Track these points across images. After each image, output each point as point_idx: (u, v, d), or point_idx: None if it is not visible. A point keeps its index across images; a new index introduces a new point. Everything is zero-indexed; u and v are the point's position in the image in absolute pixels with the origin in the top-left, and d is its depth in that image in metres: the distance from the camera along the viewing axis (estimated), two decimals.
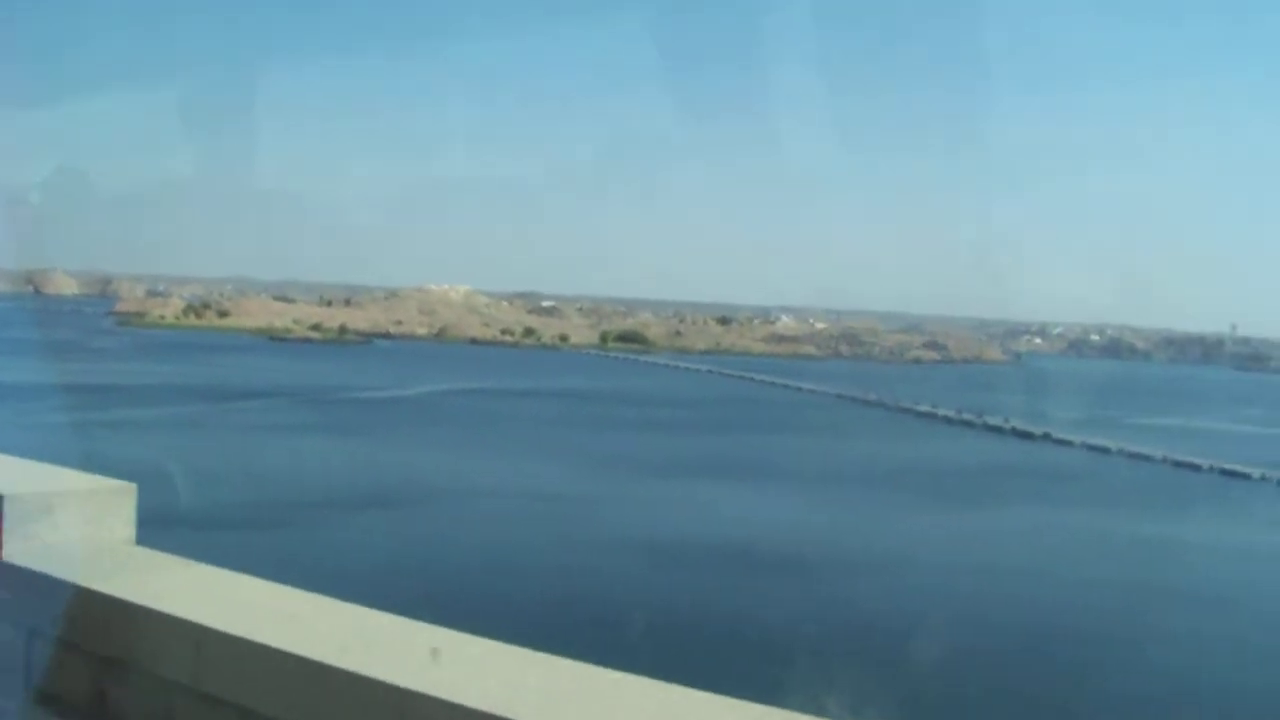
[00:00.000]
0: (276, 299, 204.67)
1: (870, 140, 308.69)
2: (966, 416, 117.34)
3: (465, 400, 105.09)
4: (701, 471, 72.16)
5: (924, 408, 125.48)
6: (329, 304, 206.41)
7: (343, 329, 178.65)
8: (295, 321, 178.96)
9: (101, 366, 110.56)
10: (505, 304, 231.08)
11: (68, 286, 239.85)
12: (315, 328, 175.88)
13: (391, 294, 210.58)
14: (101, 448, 63.78)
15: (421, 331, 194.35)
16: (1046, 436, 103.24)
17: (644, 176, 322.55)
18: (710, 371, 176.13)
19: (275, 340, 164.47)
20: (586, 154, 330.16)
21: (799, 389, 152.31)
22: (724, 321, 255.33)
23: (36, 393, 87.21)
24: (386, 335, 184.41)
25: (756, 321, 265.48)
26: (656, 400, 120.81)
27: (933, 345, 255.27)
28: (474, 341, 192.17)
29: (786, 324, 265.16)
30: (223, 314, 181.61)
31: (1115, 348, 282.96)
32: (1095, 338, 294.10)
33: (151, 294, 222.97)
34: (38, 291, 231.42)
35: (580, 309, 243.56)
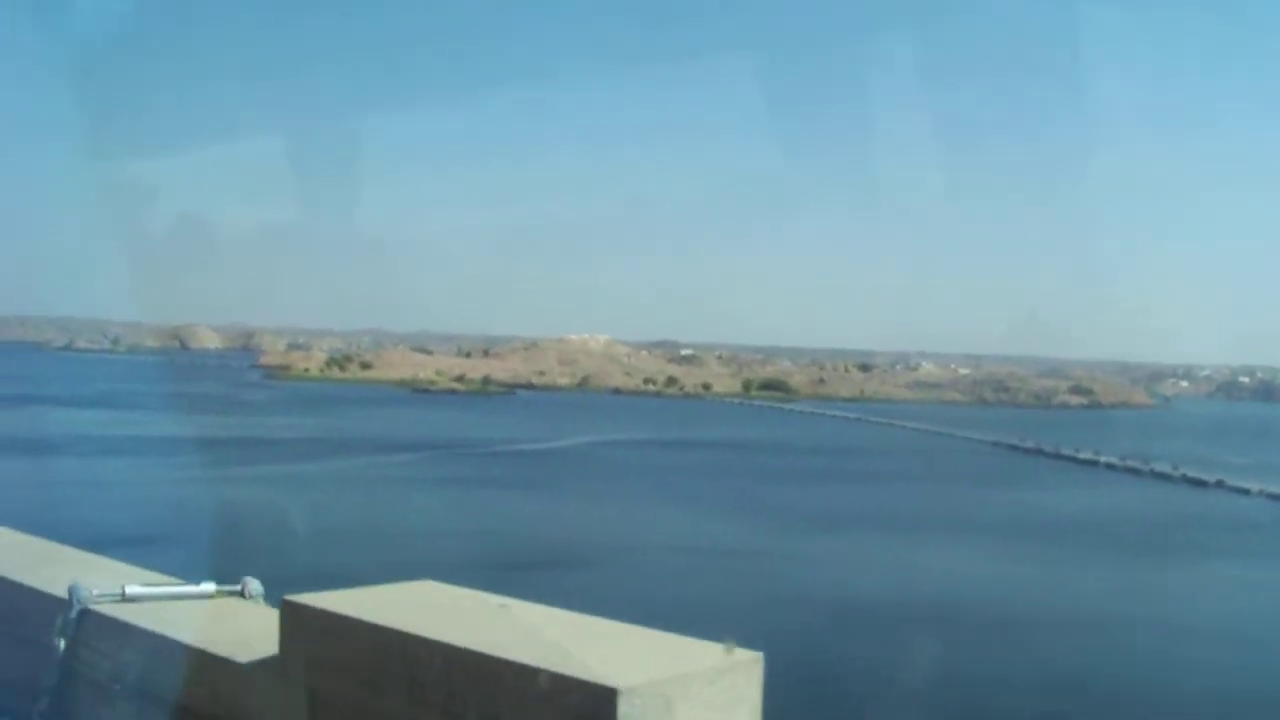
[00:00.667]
0: (414, 350, 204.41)
1: (997, 184, 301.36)
2: (1131, 463, 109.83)
3: (620, 452, 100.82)
4: (873, 523, 66.97)
5: (1085, 454, 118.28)
6: (467, 355, 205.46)
7: (486, 380, 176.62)
8: (438, 373, 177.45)
9: (252, 420, 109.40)
10: (644, 353, 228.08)
11: (211, 340, 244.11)
12: (459, 379, 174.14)
13: (531, 344, 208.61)
14: (264, 504, 60.83)
15: (564, 382, 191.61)
16: (1220, 484, 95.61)
17: (773, 222, 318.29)
18: (859, 419, 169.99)
19: (419, 392, 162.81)
20: (712, 200, 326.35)
21: (952, 436, 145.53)
22: (864, 368, 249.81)
23: (193, 447, 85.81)
24: (529, 386, 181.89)
25: (899, 368, 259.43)
26: (810, 450, 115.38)
27: (1078, 390, 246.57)
28: (617, 391, 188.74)
29: (929, 370, 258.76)
30: (365, 366, 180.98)
31: (1267, 390, 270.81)
32: (1245, 380, 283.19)
33: (292, 347, 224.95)
34: (184, 346, 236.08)
35: (719, 357, 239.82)
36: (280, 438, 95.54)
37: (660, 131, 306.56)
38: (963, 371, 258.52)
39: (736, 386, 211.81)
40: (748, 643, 3.46)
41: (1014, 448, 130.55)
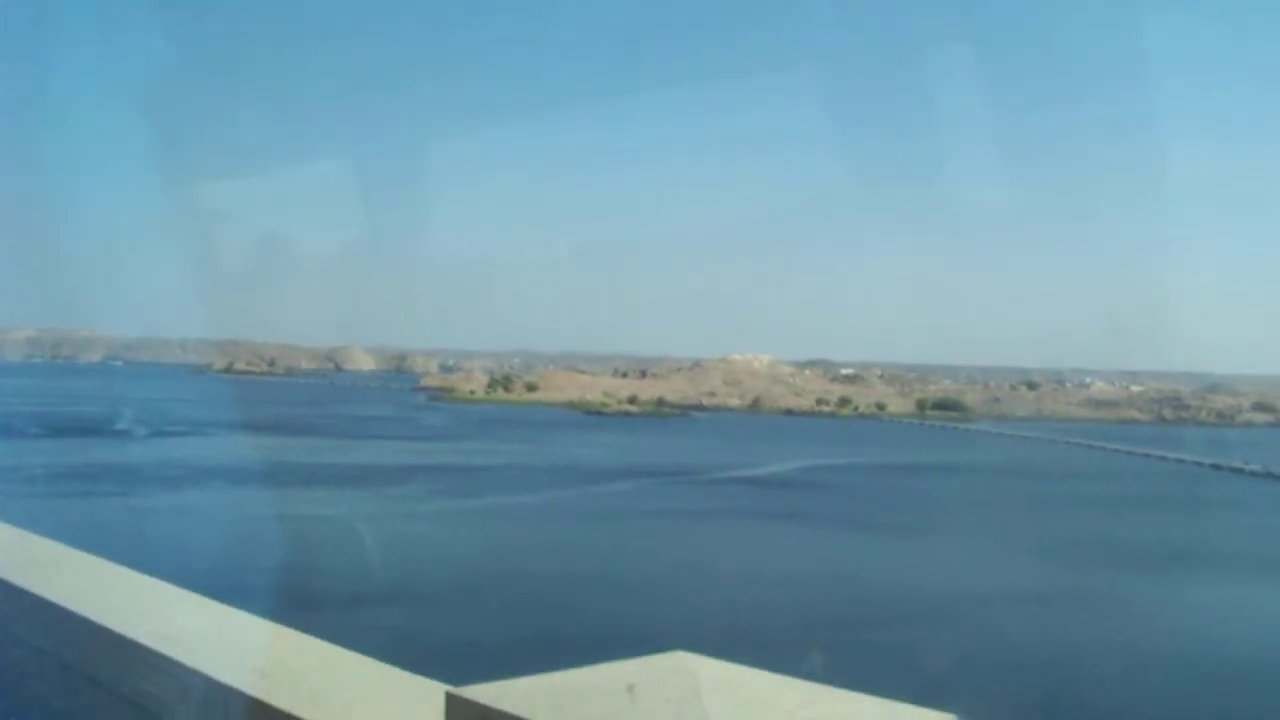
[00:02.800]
0: (567, 371, 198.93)
1: (1069, 199, 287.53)
2: None
3: (848, 478, 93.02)
4: (1153, 557, 58.86)
5: None
6: (624, 375, 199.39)
7: (661, 402, 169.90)
8: (606, 394, 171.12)
9: (444, 446, 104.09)
10: (807, 372, 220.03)
11: (366, 362, 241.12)
12: (632, 401, 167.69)
13: (695, 364, 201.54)
14: (528, 547, 54.70)
15: (734, 403, 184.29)
16: None
17: (888, 239, 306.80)
18: (1052, 440, 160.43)
19: (591, 414, 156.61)
20: (821, 216, 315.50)
21: (1163, 458, 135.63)
22: (1031, 386, 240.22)
23: (405, 476, 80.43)
24: (700, 407, 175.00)
25: (1070, 385, 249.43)
26: (1033, 473, 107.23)
27: (1262, 407, 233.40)
28: (789, 412, 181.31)
29: (1101, 388, 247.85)
30: (531, 387, 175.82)
31: None
32: None
33: (444, 369, 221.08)
34: (338, 368, 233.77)
35: (881, 376, 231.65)
36: (482, 465, 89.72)
37: (735, 148, 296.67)
38: (1135, 389, 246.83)
39: (907, 406, 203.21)
40: None
41: (1237, 470, 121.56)
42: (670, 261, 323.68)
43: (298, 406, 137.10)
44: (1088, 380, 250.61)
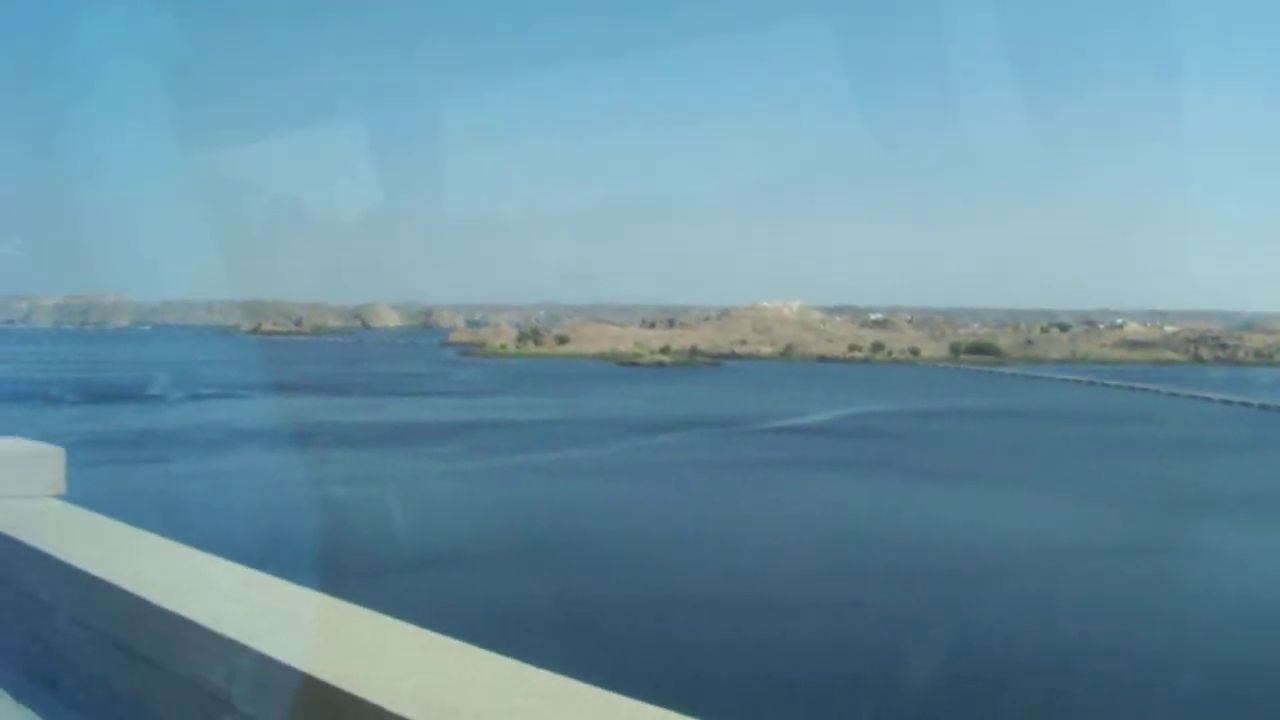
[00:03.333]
0: (596, 322, 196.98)
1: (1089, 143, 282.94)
2: None
3: (895, 424, 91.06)
4: (1254, 505, 56.04)
5: None
6: (651, 326, 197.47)
7: (694, 351, 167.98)
8: (638, 345, 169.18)
9: (480, 401, 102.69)
10: (837, 319, 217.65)
11: (392, 319, 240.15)
12: (664, 351, 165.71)
13: (724, 313, 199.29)
14: (594, 499, 52.95)
15: (766, 351, 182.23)
16: None
17: (940, 183, 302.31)
18: (1091, 383, 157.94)
19: (625, 365, 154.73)
20: (868, 165, 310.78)
21: (1208, 399, 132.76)
22: (1063, 328, 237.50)
23: (445, 433, 78.75)
24: (732, 356, 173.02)
25: (1102, 326, 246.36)
26: (1081, 417, 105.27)
27: None
28: (822, 359, 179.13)
29: (1134, 328, 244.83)
30: (561, 340, 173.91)
31: None
32: None
33: (470, 323, 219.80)
34: (365, 326, 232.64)
35: (910, 320, 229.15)
36: (523, 420, 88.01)
37: (755, 99, 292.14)
38: (1169, 329, 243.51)
39: (940, 350, 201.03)
40: None
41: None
42: (693, 212, 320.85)
43: (328, 365, 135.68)
44: (1119, 321, 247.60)
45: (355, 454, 67.71)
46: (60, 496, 7.19)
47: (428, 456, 67.67)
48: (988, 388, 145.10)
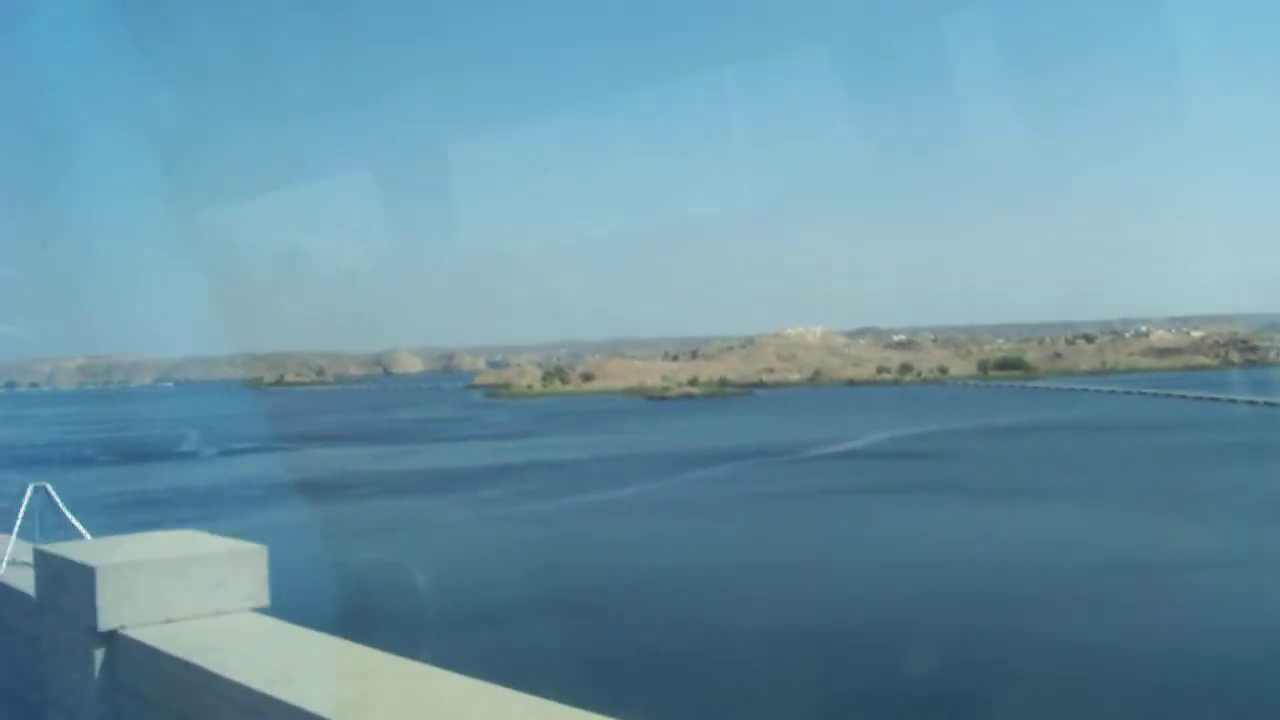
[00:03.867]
0: (618, 358, 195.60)
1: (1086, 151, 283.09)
2: None
3: (947, 444, 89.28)
4: None
5: None
6: (674, 358, 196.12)
7: (722, 382, 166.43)
8: (665, 378, 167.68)
9: (520, 443, 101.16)
10: (862, 341, 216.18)
11: (413, 365, 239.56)
12: (692, 383, 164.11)
13: (748, 341, 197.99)
14: (674, 536, 50.97)
15: (793, 377, 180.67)
16: None
17: (953, 200, 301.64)
18: (1128, 393, 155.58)
19: (654, 399, 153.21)
20: (880, 187, 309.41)
21: (1252, 403, 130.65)
22: (1089, 339, 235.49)
23: (489, 477, 77.01)
24: (760, 384, 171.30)
25: (1128, 335, 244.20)
26: (1133, 427, 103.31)
27: None
28: (851, 383, 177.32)
29: (1162, 335, 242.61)
30: (587, 377, 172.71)
31: None
32: None
33: (491, 365, 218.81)
34: (387, 372, 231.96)
35: (934, 340, 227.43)
36: (564, 460, 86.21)
37: (760, 130, 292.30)
38: (1195, 334, 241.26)
39: (968, 368, 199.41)
40: None
41: None
42: (707, 243, 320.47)
43: (356, 414, 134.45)
44: (1144, 329, 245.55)
45: (402, 503, 66.06)
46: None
47: (478, 502, 65.84)
48: (1025, 403, 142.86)
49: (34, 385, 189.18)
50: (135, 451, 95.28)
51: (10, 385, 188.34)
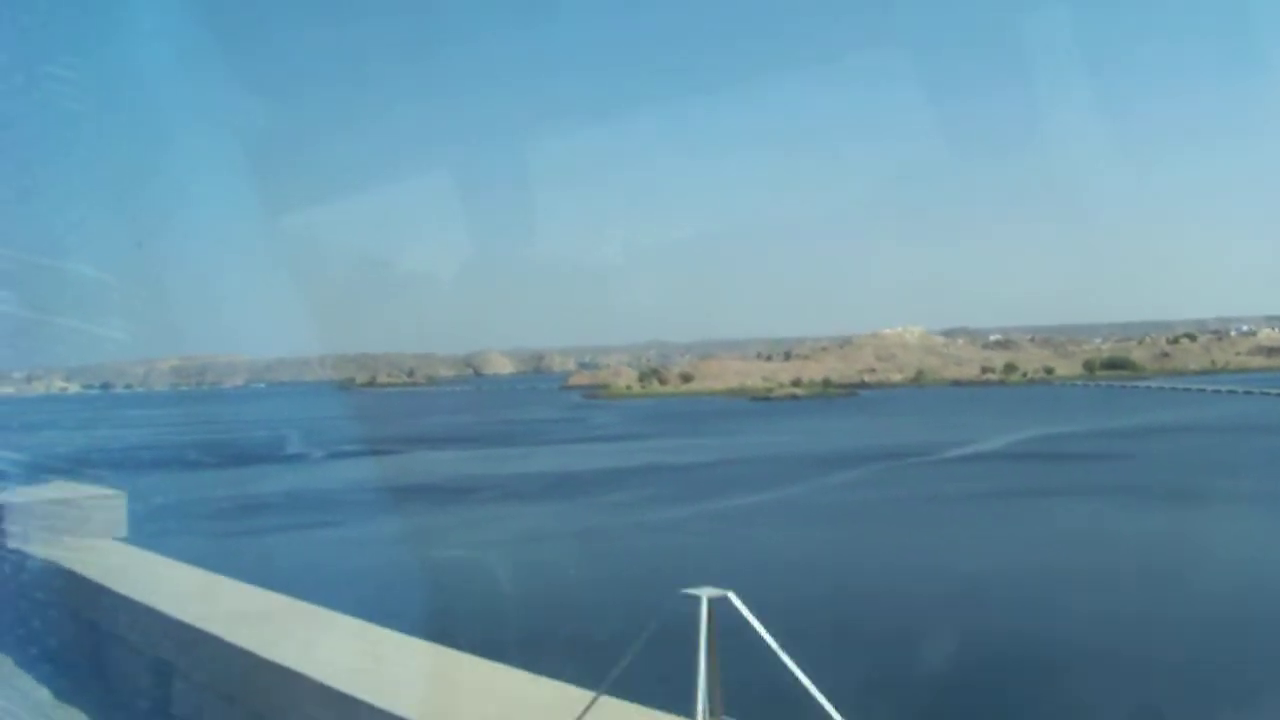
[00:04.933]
0: (714, 358, 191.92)
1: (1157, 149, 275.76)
2: None
3: (1085, 446, 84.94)
4: None
5: None
6: (768, 358, 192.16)
7: (826, 383, 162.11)
8: (766, 379, 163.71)
9: (634, 445, 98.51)
10: (960, 341, 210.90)
11: (504, 366, 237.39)
12: (796, 383, 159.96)
13: (845, 341, 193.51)
14: (852, 544, 47.26)
15: (895, 378, 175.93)
16: None
17: (1043, 199, 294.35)
18: (1248, 392, 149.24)
19: (757, 400, 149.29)
20: (970, 188, 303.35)
21: None
22: (1192, 338, 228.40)
23: (616, 480, 73.55)
24: (863, 385, 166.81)
25: (1234, 334, 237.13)
26: (1267, 428, 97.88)
27: None
28: (956, 383, 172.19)
29: (1269, 335, 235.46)
30: (686, 378, 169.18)
31: None
32: None
33: (582, 365, 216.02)
34: (477, 373, 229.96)
35: (1031, 340, 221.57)
36: (687, 463, 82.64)
37: (843, 130, 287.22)
38: None
39: (1072, 368, 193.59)
40: None
41: None
42: (795, 243, 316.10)
43: (456, 415, 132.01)
44: (1245, 328, 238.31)
45: (530, 508, 62.93)
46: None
47: (608, 508, 62.35)
48: (1141, 403, 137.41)
49: (128, 387, 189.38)
50: (238, 454, 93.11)
51: (106, 386, 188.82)
